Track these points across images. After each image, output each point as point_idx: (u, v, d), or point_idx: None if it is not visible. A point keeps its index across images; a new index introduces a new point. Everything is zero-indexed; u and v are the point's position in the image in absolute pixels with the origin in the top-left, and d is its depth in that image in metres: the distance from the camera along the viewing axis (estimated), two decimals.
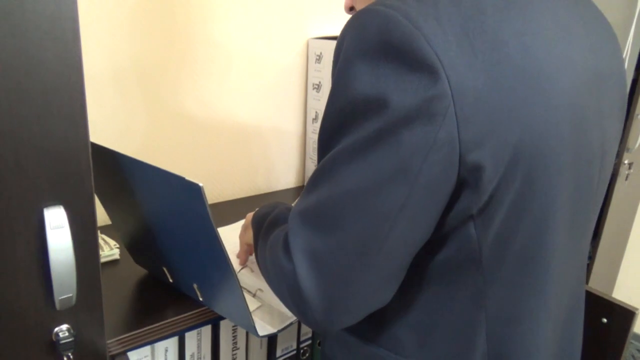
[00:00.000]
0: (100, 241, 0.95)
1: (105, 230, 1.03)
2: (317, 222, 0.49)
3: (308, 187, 0.52)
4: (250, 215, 0.80)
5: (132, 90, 1.11)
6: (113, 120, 1.10)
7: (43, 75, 0.52)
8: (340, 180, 0.48)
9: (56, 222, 0.56)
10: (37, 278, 0.57)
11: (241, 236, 0.85)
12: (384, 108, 0.45)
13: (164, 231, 0.68)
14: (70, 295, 0.59)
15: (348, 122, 0.48)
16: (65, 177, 0.56)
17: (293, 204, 1.12)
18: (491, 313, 0.54)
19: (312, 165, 1.43)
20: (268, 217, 0.64)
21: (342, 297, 0.49)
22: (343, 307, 0.49)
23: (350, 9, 0.66)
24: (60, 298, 0.58)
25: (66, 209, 0.57)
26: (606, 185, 0.63)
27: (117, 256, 0.93)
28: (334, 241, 0.48)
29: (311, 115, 1.39)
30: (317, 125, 1.38)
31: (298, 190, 1.45)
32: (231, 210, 1.24)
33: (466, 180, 0.47)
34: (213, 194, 1.31)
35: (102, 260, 0.92)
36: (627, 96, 0.63)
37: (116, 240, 0.97)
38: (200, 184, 0.53)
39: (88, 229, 0.59)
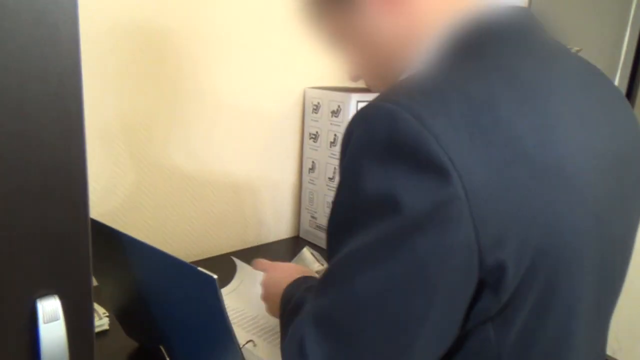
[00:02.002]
0: None
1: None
2: (333, 331, 0.46)
3: (322, 288, 0.49)
4: (272, 286, 0.75)
5: (118, 144, 1.06)
6: (98, 175, 1.05)
7: (44, 157, 0.47)
8: (355, 288, 0.45)
9: (50, 315, 0.51)
10: None
11: (266, 300, 0.79)
12: (395, 211, 0.42)
13: (166, 313, 0.62)
14: None
15: (358, 221, 0.45)
16: (62, 264, 0.51)
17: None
18: None
19: (307, 216, 1.39)
20: (292, 300, 0.60)
21: None
22: None
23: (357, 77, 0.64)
24: None
25: (61, 298, 0.51)
26: (626, 271, 0.60)
27: (106, 326, 0.87)
28: (352, 353, 0.45)
29: (307, 165, 1.36)
30: (314, 174, 1.34)
31: (291, 241, 1.40)
32: (221, 267, 1.18)
33: (486, 281, 0.44)
34: (202, 250, 1.26)
35: None
36: None
37: (105, 307, 0.91)
38: (215, 276, 0.49)
39: (84, 320, 0.54)
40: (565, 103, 0.47)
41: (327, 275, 0.49)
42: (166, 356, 0.73)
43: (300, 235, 1.43)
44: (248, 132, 1.26)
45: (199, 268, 0.50)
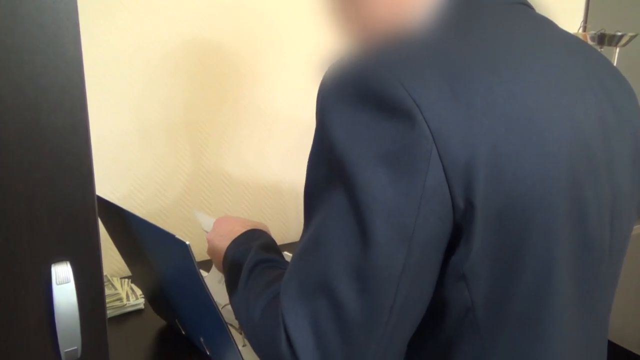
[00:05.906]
0: (128, 290, 0.99)
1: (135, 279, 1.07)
2: (314, 297, 0.46)
3: (300, 255, 0.49)
4: (217, 240, 0.71)
5: (181, 141, 1.20)
6: (160, 165, 1.18)
7: (55, 142, 0.56)
8: (331, 251, 0.46)
9: (62, 278, 0.59)
10: (45, 330, 0.60)
11: (212, 256, 0.75)
12: (366, 157, 0.43)
13: (169, 285, 0.70)
14: (75, 348, 0.61)
15: (331, 177, 0.47)
16: (73, 235, 0.60)
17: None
18: None
19: None
20: (244, 264, 0.60)
21: None
22: None
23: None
24: (65, 350, 0.61)
25: (73, 264, 0.60)
26: (625, 248, 0.58)
27: (141, 306, 0.96)
28: (336, 318, 0.45)
29: None
30: None
31: None
32: None
33: (460, 225, 0.45)
34: None
35: (127, 309, 0.95)
36: None
37: (141, 289, 1.00)
38: (187, 242, 0.55)
39: (95, 283, 0.62)
40: (540, 68, 0.48)
41: (304, 242, 0.49)
42: (181, 329, 0.81)
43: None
44: (288, 140, 1.34)
45: (175, 235, 0.56)
